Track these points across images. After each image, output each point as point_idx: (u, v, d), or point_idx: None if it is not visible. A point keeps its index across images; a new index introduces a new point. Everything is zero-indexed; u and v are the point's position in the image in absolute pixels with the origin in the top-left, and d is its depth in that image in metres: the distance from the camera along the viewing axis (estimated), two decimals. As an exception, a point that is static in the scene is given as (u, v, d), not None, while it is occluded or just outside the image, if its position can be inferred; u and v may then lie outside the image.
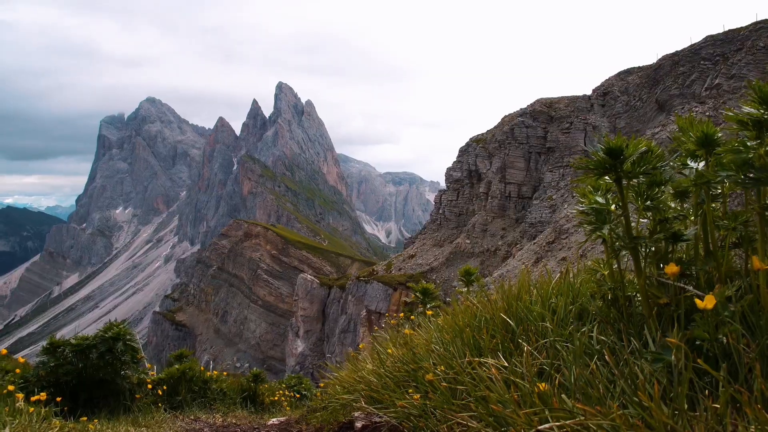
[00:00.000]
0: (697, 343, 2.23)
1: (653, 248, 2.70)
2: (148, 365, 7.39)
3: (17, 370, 6.34)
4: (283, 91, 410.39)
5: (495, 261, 75.92)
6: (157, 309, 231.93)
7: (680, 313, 2.37)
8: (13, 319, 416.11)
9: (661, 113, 67.93)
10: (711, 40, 66.91)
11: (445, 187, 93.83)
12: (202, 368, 6.77)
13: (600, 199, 2.61)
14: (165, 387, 5.85)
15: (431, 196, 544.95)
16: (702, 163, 2.63)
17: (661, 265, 2.69)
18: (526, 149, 79.86)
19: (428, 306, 5.43)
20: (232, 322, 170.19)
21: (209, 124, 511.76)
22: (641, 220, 2.75)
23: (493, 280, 66.80)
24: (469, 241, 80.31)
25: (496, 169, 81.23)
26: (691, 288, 2.44)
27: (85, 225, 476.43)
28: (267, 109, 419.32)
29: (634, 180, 2.57)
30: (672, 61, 70.11)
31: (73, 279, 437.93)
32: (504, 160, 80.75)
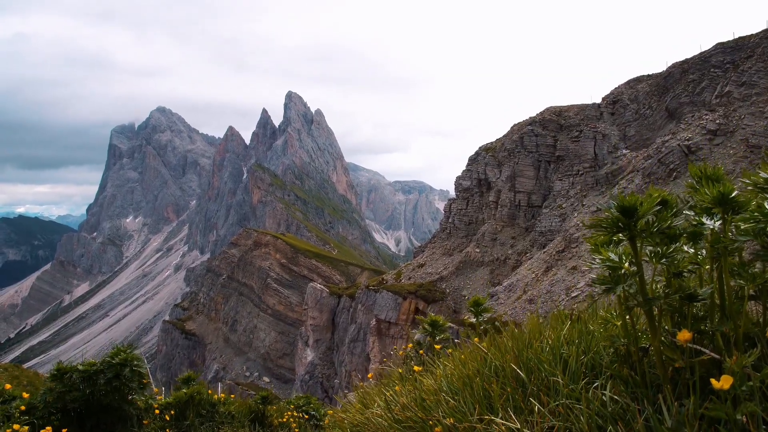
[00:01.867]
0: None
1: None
2: (155, 389, 7.36)
3: (24, 395, 6.32)
4: (292, 100, 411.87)
5: (505, 270, 75.67)
6: (167, 318, 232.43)
7: (695, 381, 2.29)
8: (24, 327, 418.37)
9: (671, 121, 67.70)
10: (721, 48, 66.65)
11: (454, 196, 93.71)
12: (210, 391, 6.71)
13: (613, 256, 2.55)
14: (173, 412, 5.82)
15: (441, 205, 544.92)
16: (718, 222, 2.56)
17: (677, 320, 2.62)
18: (536, 158, 79.69)
19: (437, 338, 5.36)
20: (241, 331, 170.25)
21: (219, 133, 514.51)
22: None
23: (503, 289, 66.62)
24: (478, 250, 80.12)
25: (506, 177, 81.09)
26: (707, 351, 2.37)
27: (95, 234, 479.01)
28: (277, 119, 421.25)
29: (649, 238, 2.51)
30: (681, 69, 69.89)
31: (83, 288, 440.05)
32: (513, 168, 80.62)
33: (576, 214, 67.25)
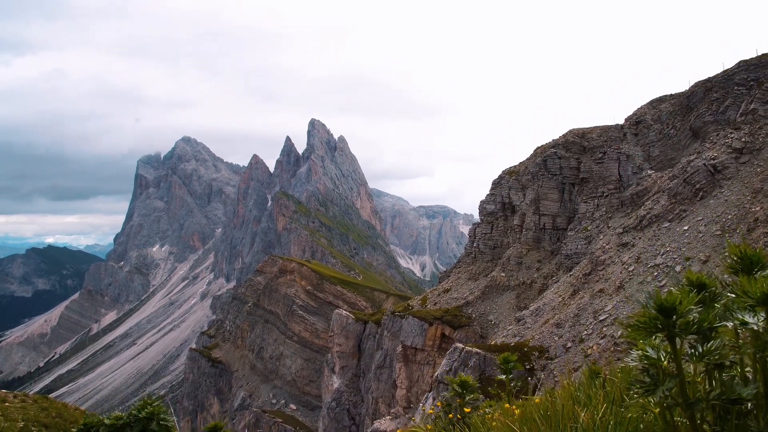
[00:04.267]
0: None
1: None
2: None
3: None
4: (315, 127, 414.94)
5: (531, 294, 74.93)
6: (194, 346, 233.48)
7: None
8: (53, 356, 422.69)
9: (696, 140, 66.97)
10: (744, 65, 65.97)
11: (478, 220, 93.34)
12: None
13: (651, 352, 2.41)
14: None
15: (465, 229, 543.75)
16: (762, 322, 2.41)
17: (719, 412, 2.46)
18: (560, 180, 79.18)
19: (467, 399, 5.20)
20: (267, 358, 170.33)
21: (244, 162, 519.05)
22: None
23: (530, 313, 65.90)
24: (504, 274, 79.51)
25: (530, 201, 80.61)
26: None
27: (122, 263, 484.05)
28: (300, 147, 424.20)
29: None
30: (705, 88, 69.23)
31: (111, 316, 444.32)
32: (537, 191, 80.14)
33: (602, 236, 66.55)
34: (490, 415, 4.20)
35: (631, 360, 2.50)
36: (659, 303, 2.32)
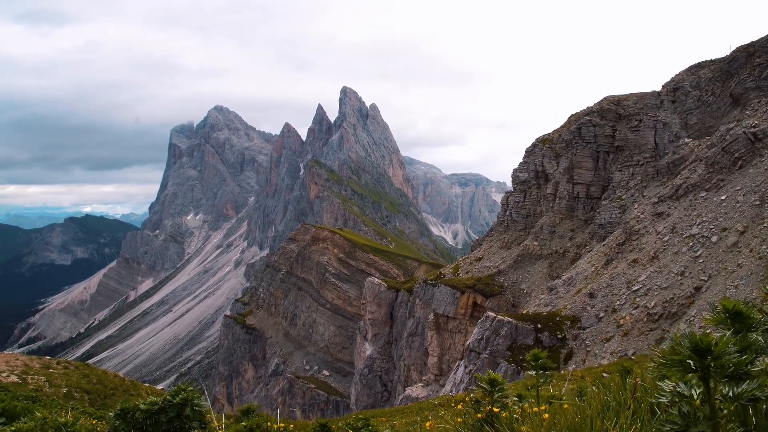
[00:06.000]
0: None
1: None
2: (215, 423, 7.44)
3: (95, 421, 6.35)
4: (347, 95, 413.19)
5: (564, 263, 74.47)
6: (228, 313, 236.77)
7: None
8: (92, 323, 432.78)
9: (736, 108, 65.39)
10: (788, 29, 64.03)
11: (511, 188, 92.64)
12: (269, 423, 6.69)
13: (683, 387, 2.30)
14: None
15: (498, 197, 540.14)
16: None
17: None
18: (594, 148, 78.08)
19: (495, 396, 5.12)
20: (301, 325, 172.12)
21: (276, 130, 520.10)
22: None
23: (562, 283, 65.54)
24: (537, 243, 79.06)
25: (564, 169, 79.71)
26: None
27: (158, 231, 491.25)
28: (332, 115, 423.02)
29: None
30: (747, 53, 67.29)
31: (147, 284, 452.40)
32: (571, 160, 79.17)
33: (636, 206, 65.68)
34: (517, 425, 4.13)
35: (662, 395, 2.40)
36: (694, 343, 2.22)
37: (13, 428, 4.49)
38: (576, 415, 3.53)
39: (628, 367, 5.10)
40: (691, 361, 2.20)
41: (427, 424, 5.47)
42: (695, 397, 2.30)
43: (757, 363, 2.30)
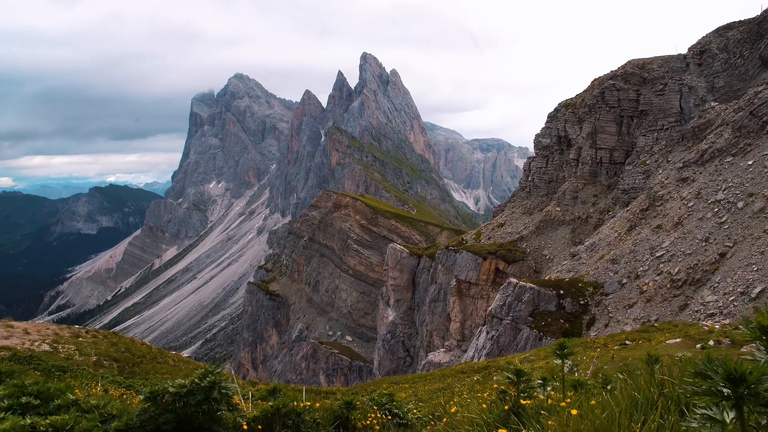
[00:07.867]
0: None
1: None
2: (243, 404, 7.66)
3: (123, 402, 6.60)
4: (367, 61, 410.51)
5: (586, 229, 74.13)
6: (252, 279, 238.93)
7: None
8: (119, 290, 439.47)
9: (766, 70, 64.16)
10: (819, -11, 62.51)
11: (533, 154, 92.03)
12: (295, 403, 6.87)
13: (716, 412, 2.32)
14: (260, 426, 6.01)
15: (520, 162, 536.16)
16: None
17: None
18: (618, 113, 77.16)
19: (521, 387, 5.19)
20: (323, 291, 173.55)
21: (296, 97, 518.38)
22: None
23: (585, 249, 65.32)
24: (559, 209, 78.72)
25: (587, 134, 78.97)
26: None
27: (181, 200, 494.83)
28: (353, 81, 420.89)
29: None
30: (777, 13, 65.91)
31: (171, 252, 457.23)
32: (594, 124, 78.35)
33: (660, 171, 65.01)
34: (543, 419, 4.18)
35: (693, 419, 2.42)
36: (728, 371, 2.26)
37: (48, 422, 4.68)
38: (603, 412, 3.60)
39: (654, 356, 5.11)
40: (724, 390, 2.24)
41: (453, 409, 5.57)
42: (728, 423, 2.33)
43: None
